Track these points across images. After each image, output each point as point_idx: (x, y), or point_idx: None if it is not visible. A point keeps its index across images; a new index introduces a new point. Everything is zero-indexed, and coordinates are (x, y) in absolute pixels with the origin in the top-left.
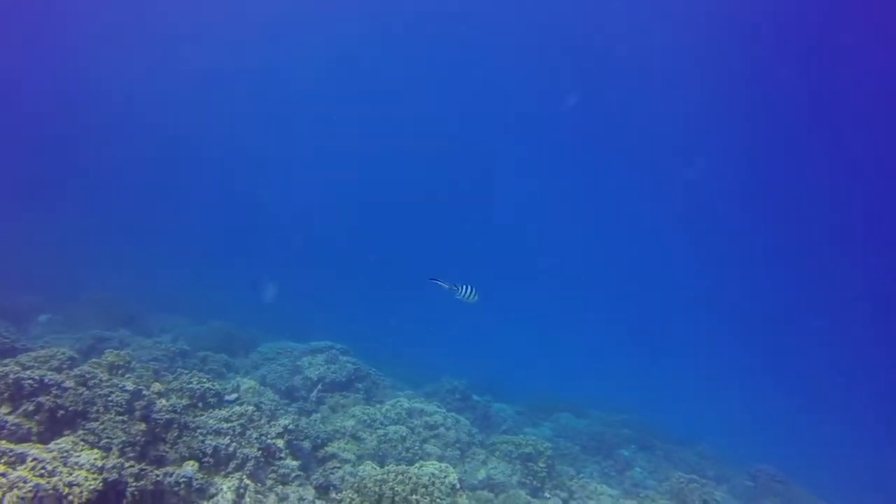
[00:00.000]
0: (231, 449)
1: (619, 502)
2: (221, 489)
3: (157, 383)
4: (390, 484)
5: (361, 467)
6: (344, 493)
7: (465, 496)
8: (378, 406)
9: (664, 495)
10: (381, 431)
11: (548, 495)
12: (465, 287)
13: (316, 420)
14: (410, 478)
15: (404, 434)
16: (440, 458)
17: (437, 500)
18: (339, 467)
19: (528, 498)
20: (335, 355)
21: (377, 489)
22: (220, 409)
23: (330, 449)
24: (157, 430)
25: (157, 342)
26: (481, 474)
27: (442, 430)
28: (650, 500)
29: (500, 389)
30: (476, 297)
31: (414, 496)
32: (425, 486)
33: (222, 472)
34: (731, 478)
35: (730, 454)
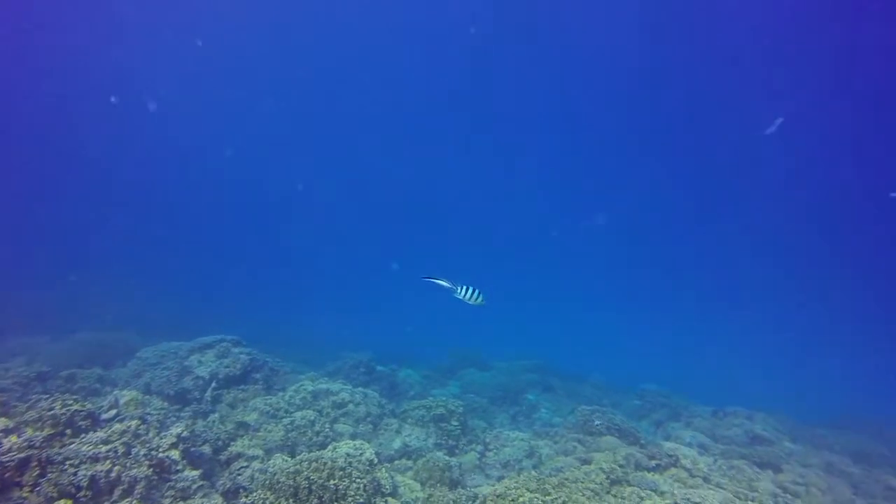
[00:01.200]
0: (114, 474)
1: (531, 443)
2: None
3: (2, 419)
4: (305, 474)
5: (272, 462)
6: (255, 493)
7: (384, 469)
8: (280, 394)
9: (571, 429)
10: (287, 420)
11: (465, 451)
12: (465, 288)
13: (214, 421)
14: (325, 463)
15: (312, 418)
16: (353, 436)
17: (357, 481)
18: (247, 466)
19: (446, 458)
20: (226, 348)
21: (291, 482)
22: (95, 431)
23: (234, 448)
24: (8, 475)
25: (3, 368)
26: (397, 444)
27: (351, 406)
28: (559, 436)
29: (404, 357)
30: (481, 300)
31: (332, 481)
32: (342, 469)
33: (107, 503)
34: (623, 401)
35: (619, 382)
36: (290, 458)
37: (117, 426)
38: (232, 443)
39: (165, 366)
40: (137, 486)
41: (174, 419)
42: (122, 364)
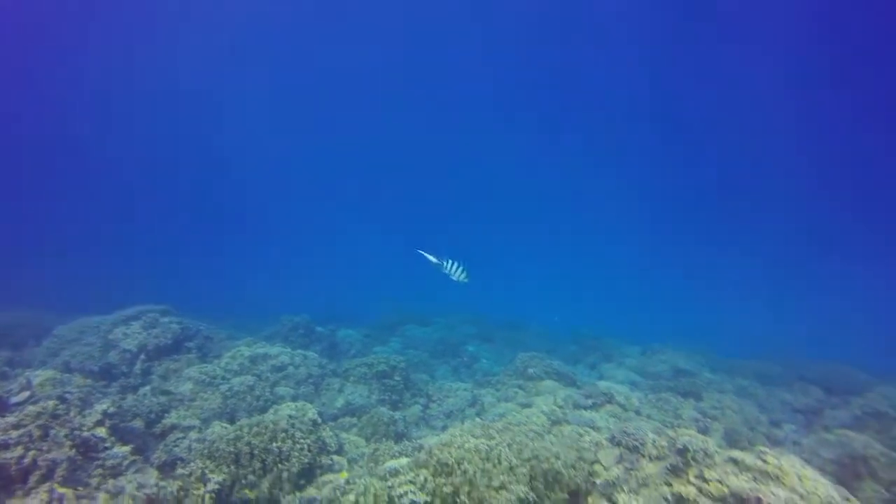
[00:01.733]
0: (27, 460)
1: (473, 393)
2: None
3: None
4: (246, 439)
5: (210, 430)
6: (193, 463)
7: (328, 428)
8: (216, 361)
9: (512, 376)
10: (224, 387)
11: (408, 405)
12: (452, 263)
13: (146, 394)
14: (267, 426)
15: (251, 383)
16: (294, 398)
17: (300, 441)
18: (184, 437)
19: (390, 412)
20: (154, 318)
21: (232, 448)
22: (3, 416)
23: (169, 420)
24: None
25: None
26: (340, 402)
27: (291, 369)
28: (501, 384)
29: (344, 316)
30: (465, 277)
31: (274, 444)
32: (285, 431)
33: (20, 492)
34: (560, 347)
35: (556, 329)
36: (229, 425)
37: (31, 409)
38: (166, 415)
39: (86, 341)
40: (58, 469)
41: (100, 396)
42: (35, 344)
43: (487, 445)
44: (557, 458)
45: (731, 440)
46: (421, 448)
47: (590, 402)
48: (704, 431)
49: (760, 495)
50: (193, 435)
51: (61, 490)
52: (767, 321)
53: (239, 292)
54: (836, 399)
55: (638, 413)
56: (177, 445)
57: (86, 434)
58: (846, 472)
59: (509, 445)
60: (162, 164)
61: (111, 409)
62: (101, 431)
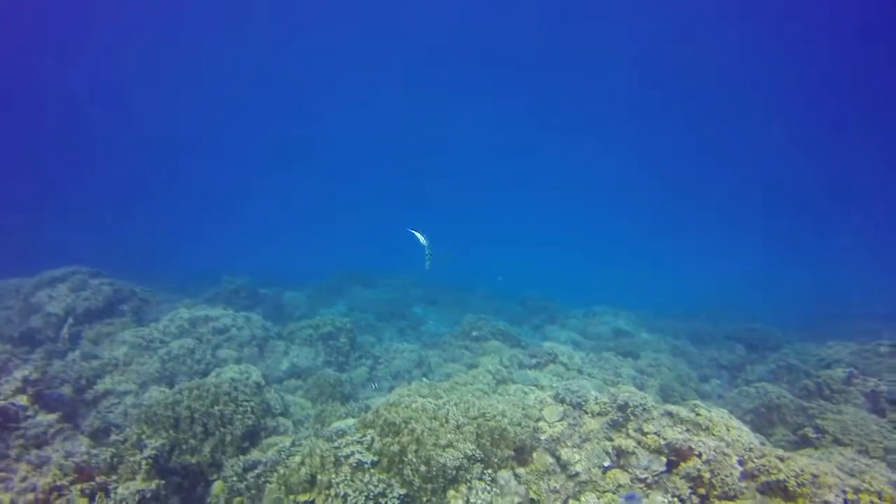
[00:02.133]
0: None
1: (420, 354)
2: None
3: None
4: (186, 403)
5: (147, 395)
6: (129, 430)
7: (272, 391)
8: (153, 324)
9: (458, 337)
10: (163, 351)
11: (355, 366)
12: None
13: (75, 359)
14: (208, 390)
15: (192, 346)
16: (238, 360)
17: (244, 404)
18: (118, 403)
19: (336, 374)
20: (83, 280)
21: (170, 413)
22: None
23: (102, 386)
24: None
25: None
26: (285, 364)
27: (234, 331)
28: (447, 345)
29: (288, 277)
30: (428, 264)
31: (216, 407)
32: (227, 394)
33: None
34: (506, 308)
35: (504, 290)
36: (168, 390)
37: None
38: (98, 380)
39: (4, 305)
40: None
41: (20, 362)
42: None
43: (435, 405)
44: (503, 415)
45: (665, 395)
46: (367, 409)
47: (534, 361)
48: (641, 388)
49: (692, 444)
50: (129, 400)
51: None
52: (705, 281)
53: (175, 257)
54: (756, 355)
55: (580, 372)
56: (111, 412)
57: (3, 403)
58: (762, 419)
59: (456, 404)
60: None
61: (33, 376)
62: (23, 399)
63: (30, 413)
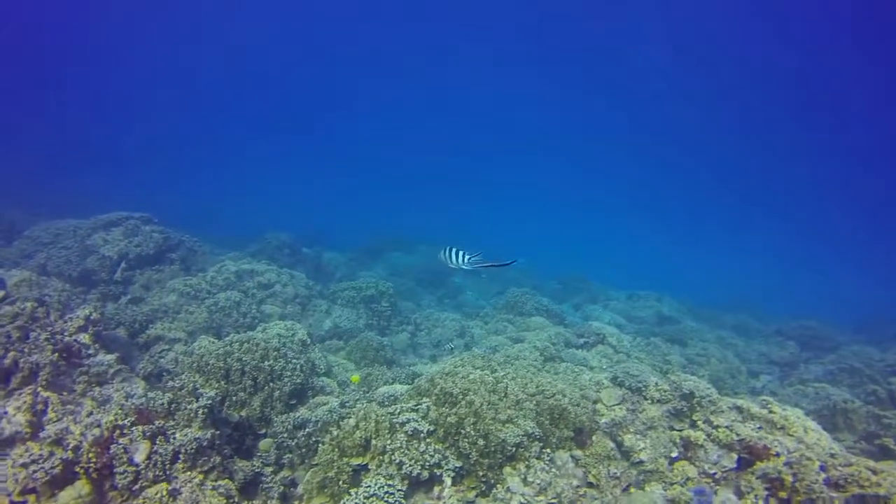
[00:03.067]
0: (7, 361)
1: (462, 324)
2: (5, 413)
3: None
4: (237, 355)
5: (197, 344)
6: (182, 376)
7: (317, 349)
8: (201, 275)
9: (501, 309)
10: (210, 301)
11: (395, 331)
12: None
13: (127, 303)
14: (258, 343)
15: (238, 299)
16: (282, 317)
17: (293, 361)
18: (169, 349)
19: (379, 338)
20: (136, 226)
21: (222, 364)
22: None
23: (154, 332)
24: None
25: None
26: (327, 324)
27: (278, 287)
28: (489, 317)
29: (328, 239)
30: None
31: (266, 362)
32: (276, 350)
33: (1, 392)
34: (544, 285)
35: (538, 267)
36: (217, 340)
37: (7, 308)
38: (150, 326)
39: (63, 245)
40: (42, 373)
41: (79, 301)
42: (4, 244)
43: (493, 378)
44: (563, 394)
45: (716, 387)
46: (416, 375)
47: (581, 340)
48: None
49: (767, 443)
50: (179, 348)
51: (46, 394)
52: (743, 274)
53: (220, 211)
54: (810, 354)
55: (628, 356)
56: (162, 357)
57: (68, 339)
58: (825, 423)
59: (514, 379)
60: (147, 86)
61: (94, 316)
62: (85, 338)
63: (91, 351)
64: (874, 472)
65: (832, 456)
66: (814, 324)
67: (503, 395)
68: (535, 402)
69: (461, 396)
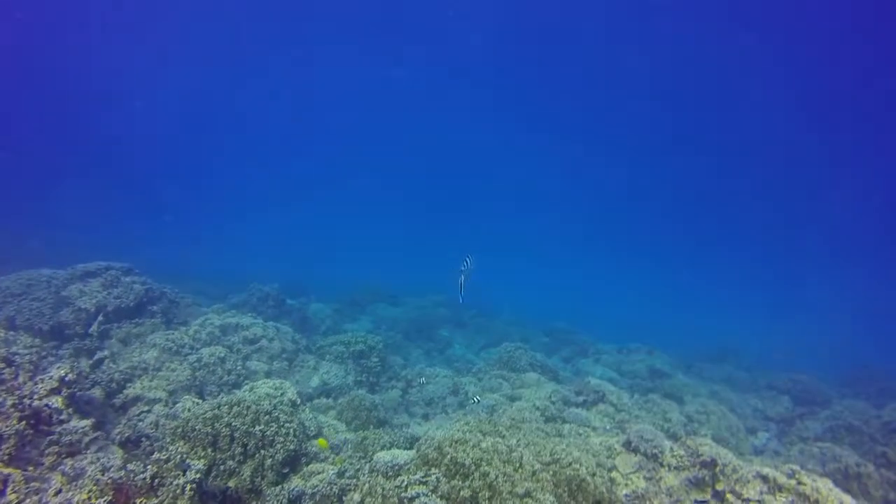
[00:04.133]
0: None
1: (454, 380)
2: None
3: None
4: (226, 419)
5: (181, 405)
6: (168, 447)
7: (307, 410)
8: (183, 329)
9: (494, 365)
10: (193, 357)
11: (385, 388)
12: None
13: (104, 359)
14: (248, 407)
15: (222, 355)
16: (269, 374)
17: (286, 426)
18: (149, 411)
19: (371, 397)
20: (115, 277)
21: (209, 429)
22: None
23: (132, 391)
24: None
25: None
26: (315, 381)
27: (264, 342)
28: (482, 373)
29: (313, 288)
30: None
31: (257, 427)
32: (268, 413)
33: None
34: (533, 338)
35: (527, 317)
36: (201, 401)
37: None
38: (128, 384)
39: (35, 296)
40: (5, 445)
41: (53, 359)
42: None
43: (507, 446)
44: (580, 463)
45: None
46: (414, 438)
47: (580, 398)
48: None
49: None
50: (160, 409)
51: (7, 470)
52: (721, 323)
53: (201, 259)
54: (804, 409)
55: (629, 414)
56: (141, 420)
57: (38, 403)
58: (839, 487)
59: (527, 446)
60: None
61: (70, 376)
62: (57, 401)
63: (63, 417)
64: None
65: None
66: (805, 378)
67: (518, 465)
68: (551, 473)
69: (474, 467)
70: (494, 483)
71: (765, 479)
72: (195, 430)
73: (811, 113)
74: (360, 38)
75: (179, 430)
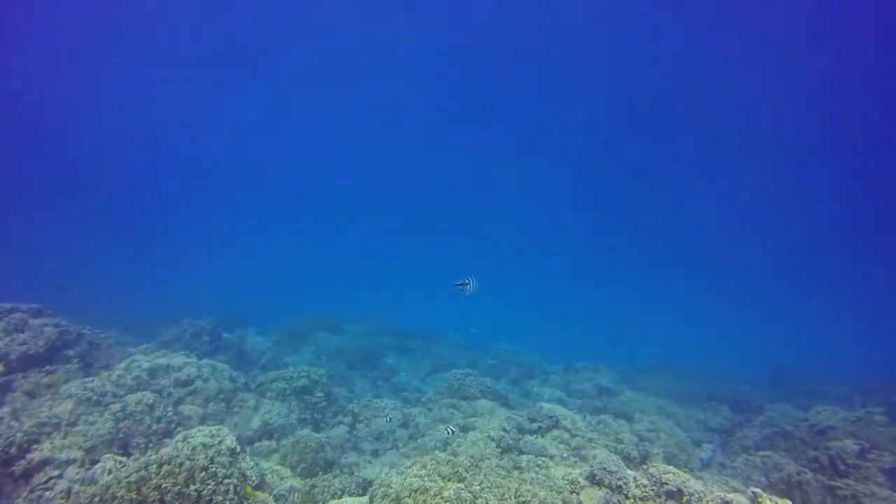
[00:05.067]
0: None
1: (403, 412)
2: None
3: None
4: (154, 482)
5: (99, 466)
6: None
7: (247, 458)
8: (105, 374)
9: (444, 394)
10: (117, 407)
11: (331, 424)
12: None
13: (2, 418)
14: (181, 464)
15: (151, 401)
16: (203, 418)
17: (225, 482)
18: (60, 476)
19: (317, 436)
20: (22, 319)
21: (134, 495)
22: None
23: (38, 454)
24: None
25: None
26: (256, 422)
27: (199, 382)
28: (432, 402)
29: (251, 319)
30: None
31: (192, 486)
32: (204, 469)
33: None
34: (479, 361)
35: (472, 342)
36: (125, 460)
37: None
38: (34, 446)
39: None
40: None
41: None
42: None
43: (470, 493)
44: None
45: (671, 464)
46: (367, 483)
47: (535, 426)
48: (645, 456)
49: None
50: (73, 473)
51: None
52: (655, 333)
53: (126, 291)
54: (740, 417)
55: (583, 438)
56: (49, 488)
57: None
58: (782, 496)
59: (490, 490)
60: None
61: None
62: None
63: None
64: None
65: None
66: (740, 387)
67: None
68: None
69: None
70: None
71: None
72: (116, 497)
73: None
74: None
75: (97, 499)
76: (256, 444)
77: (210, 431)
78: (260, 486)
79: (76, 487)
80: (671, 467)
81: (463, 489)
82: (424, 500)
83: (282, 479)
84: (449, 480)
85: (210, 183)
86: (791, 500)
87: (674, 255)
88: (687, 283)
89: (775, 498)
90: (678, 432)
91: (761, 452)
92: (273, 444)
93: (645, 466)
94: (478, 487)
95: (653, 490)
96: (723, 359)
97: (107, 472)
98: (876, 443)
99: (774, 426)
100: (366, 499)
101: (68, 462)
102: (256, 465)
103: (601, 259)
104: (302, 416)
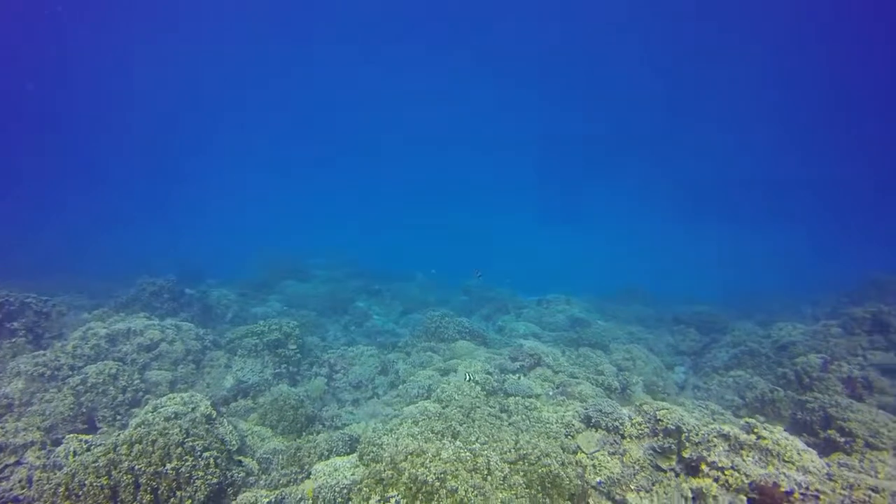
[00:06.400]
0: None
1: (380, 358)
2: None
3: None
4: (126, 464)
5: (62, 448)
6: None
7: (225, 422)
8: (59, 345)
9: (420, 337)
10: (76, 380)
11: (308, 377)
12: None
13: None
14: (154, 441)
15: (114, 371)
16: (173, 383)
17: (203, 456)
18: (18, 462)
19: (295, 392)
20: None
21: (105, 481)
22: None
23: None
24: None
25: None
26: (229, 381)
27: (164, 346)
28: (409, 346)
29: (215, 271)
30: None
31: (168, 464)
32: (180, 444)
33: None
34: (451, 298)
35: (441, 280)
36: (93, 438)
37: None
38: None
39: None
40: None
41: None
42: None
43: (469, 451)
44: (549, 457)
45: (650, 391)
46: (354, 439)
47: (517, 364)
48: (626, 386)
49: (776, 479)
50: (33, 458)
51: None
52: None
53: (76, 252)
54: (707, 339)
55: (566, 374)
56: (5, 478)
57: None
58: (757, 413)
59: (488, 445)
60: None
61: None
62: None
63: None
64: (875, 490)
65: (830, 478)
66: (705, 308)
67: (486, 472)
68: (521, 474)
69: (439, 484)
70: (465, 500)
71: (726, 437)
72: (85, 485)
73: None
74: None
75: (63, 488)
76: (232, 405)
77: (182, 398)
78: (241, 451)
79: (37, 475)
80: (665, 403)
81: (462, 448)
82: (423, 464)
83: (263, 440)
84: (443, 437)
85: (167, 126)
86: (765, 416)
87: (637, 186)
88: (651, 213)
89: (768, 425)
90: (653, 359)
91: (732, 372)
92: (250, 402)
93: (638, 403)
94: (477, 445)
95: (648, 427)
96: (683, 283)
97: (71, 453)
98: (833, 353)
99: (742, 346)
100: (354, 457)
101: (25, 446)
102: (235, 427)
103: (566, 200)
104: (277, 370)
